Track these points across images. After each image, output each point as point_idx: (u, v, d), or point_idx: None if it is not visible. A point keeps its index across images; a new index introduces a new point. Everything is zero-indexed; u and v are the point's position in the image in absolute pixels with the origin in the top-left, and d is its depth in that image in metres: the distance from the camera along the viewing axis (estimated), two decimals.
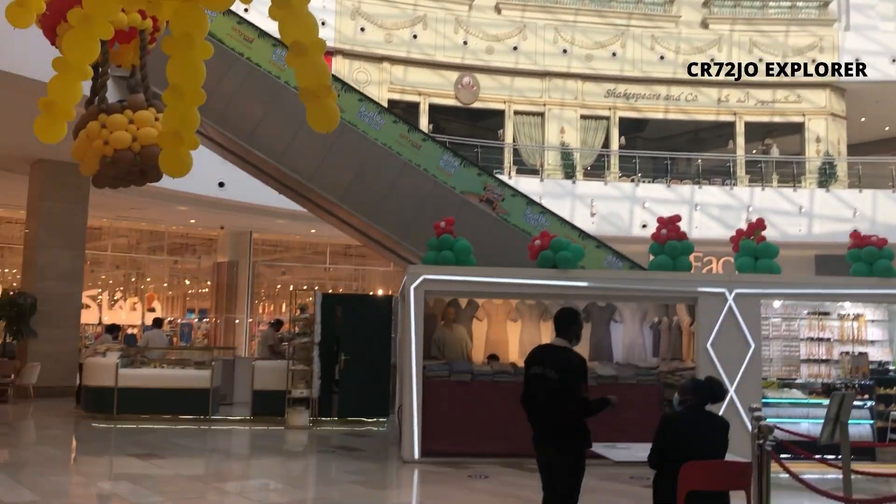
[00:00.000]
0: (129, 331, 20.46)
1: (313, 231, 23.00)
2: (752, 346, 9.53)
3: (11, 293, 16.01)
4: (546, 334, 11.36)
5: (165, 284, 26.68)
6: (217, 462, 9.68)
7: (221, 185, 18.42)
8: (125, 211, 20.53)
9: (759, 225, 10.23)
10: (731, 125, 22.86)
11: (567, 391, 4.79)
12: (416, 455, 9.08)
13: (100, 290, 24.04)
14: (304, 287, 24.87)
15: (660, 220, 10.35)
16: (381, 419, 12.54)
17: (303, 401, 12.27)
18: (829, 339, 10.66)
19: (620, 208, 20.96)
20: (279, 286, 28.57)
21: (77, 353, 16.55)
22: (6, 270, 23.43)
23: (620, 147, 22.85)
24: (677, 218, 10.29)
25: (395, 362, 12.62)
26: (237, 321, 23.80)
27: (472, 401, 9.32)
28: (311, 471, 9.08)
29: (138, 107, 7.56)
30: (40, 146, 15.20)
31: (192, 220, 22.29)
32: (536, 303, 11.43)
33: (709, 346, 9.50)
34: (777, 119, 23.04)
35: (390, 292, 17.81)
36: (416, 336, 9.27)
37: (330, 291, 20.16)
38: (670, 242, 9.94)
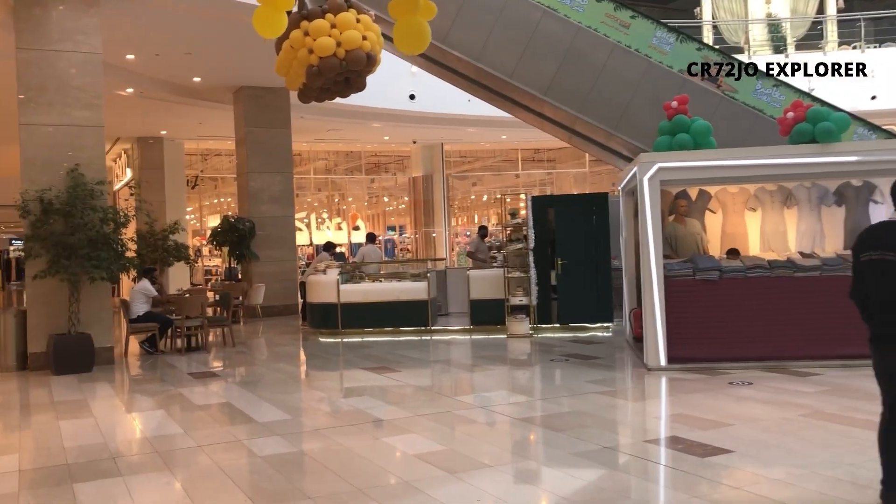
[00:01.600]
0: (337, 250, 21.10)
1: (503, 137, 22.41)
2: None
3: (231, 219, 16.73)
4: (792, 223, 10.07)
5: (365, 203, 27.33)
6: (450, 373, 9.46)
7: (412, 97, 18.23)
8: (322, 133, 20.90)
9: None
10: None
11: None
12: (663, 362, 8.31)
13: (306, 213, 25.01)
14: (497, 196, 24.48)
15: None
16: (605, 324, 11.87)
17: (522, 308, 11.88)
18: None
19: (843, 80, 18.53)
20: (472, 197, 28.42)
21: (296, 273, 17.23)
22: (221, 199, 24.88)
23: (839, 11, 20.12)
24: None
25: (617, 264, 11.84)
26: (435, 234, 23.96)
27: (722, 300, 8.33)
28: (552, 381, 8.58)
29: (338, 9, 7.04)
30: (242, 73, 15.51)
31: (386, 137, 22.37)
32: (778, 188, 10.10)
33: None
34: None
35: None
36: (653, 233, 8.33)
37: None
38: None
